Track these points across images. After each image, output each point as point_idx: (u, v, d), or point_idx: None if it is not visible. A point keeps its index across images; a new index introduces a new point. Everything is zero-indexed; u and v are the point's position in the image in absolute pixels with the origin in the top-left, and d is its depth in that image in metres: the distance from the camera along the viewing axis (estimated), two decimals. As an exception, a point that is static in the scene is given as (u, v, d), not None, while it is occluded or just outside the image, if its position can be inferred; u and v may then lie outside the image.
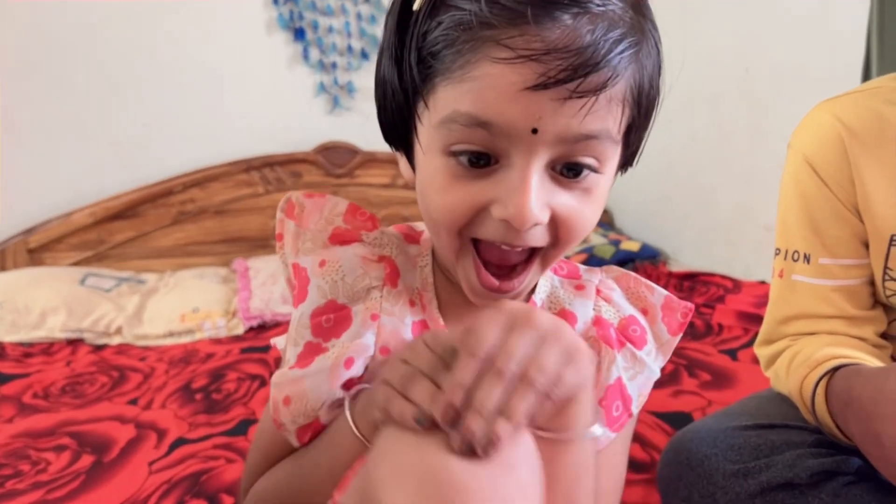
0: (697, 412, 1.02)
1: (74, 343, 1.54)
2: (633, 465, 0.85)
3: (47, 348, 1.49)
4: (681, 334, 0.51)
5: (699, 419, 0.76)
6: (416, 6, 0.38)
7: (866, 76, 1.39)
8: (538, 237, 0.41)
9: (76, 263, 1.89)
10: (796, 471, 0.61)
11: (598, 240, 2.12)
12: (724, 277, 1.72)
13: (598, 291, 0.52)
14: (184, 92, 2.01)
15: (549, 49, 0.35)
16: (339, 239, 0.50)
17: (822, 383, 0.61)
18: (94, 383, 1.28)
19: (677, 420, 0.99)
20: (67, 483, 0.87)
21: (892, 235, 0.66)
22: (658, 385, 1.10)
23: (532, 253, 0.43)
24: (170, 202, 1.98)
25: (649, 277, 1.84)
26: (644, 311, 0.52)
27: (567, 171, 0.39)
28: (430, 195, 0.42)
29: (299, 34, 2.08)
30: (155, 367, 1.37)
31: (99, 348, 1.52)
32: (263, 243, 2.07)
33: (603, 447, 0.48)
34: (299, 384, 0.45)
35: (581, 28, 0.35)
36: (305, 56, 2.11)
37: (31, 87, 1.85)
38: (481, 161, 0.39)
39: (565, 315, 0.50)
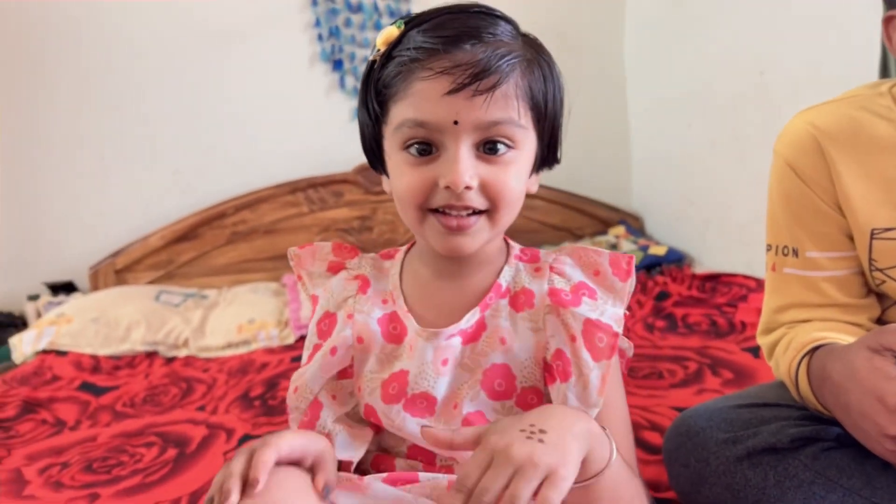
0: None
1: (151, 356, 1.75)
2: (649, 449, 0.95)
3: (131, 361, 1.71)
4: (631, 279, 0.60)
5: (701, 402, 0.84)
6: (372, 59, 0.58)
7: (883, 79, 1.38)
8: (475, 199, 0.55)
9: (151, 282, 2.12)
10: (779, 437, 0.68)
11: (628, 246, 2.19)
12: (746, 277, 1.78)
13: (551, 269, 0.62)
14: (234, 121, 2.21)
15: (456, 65, 0.52)
16: (334, 269, 0.68)
17: (805, 362, 0.68)
18: (168, 394, 1.47)
19: None
20: (159, 470, 1.05)
21: (873, 230, 0.70)
22: (682, 385, 1.18)
23: (478, 217, 0.56)
24: (224, 224, 2.18)
25: (674, 280, 1.94)
26: (595, 273, 0.62)
27: (488, 150, 0.55)
28: (398, 185, 0.58)
29: (337, 65, 2.25)
30: (216, 377, 1.55)
31: (169, 361, 1.72)
32: None
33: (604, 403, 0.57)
34: (303, 377, 0.62)
35: (477, 50, 0.53)
36: (342, 84, 2.27)
37: (113, 121, 2.12)
38: (426, 150, 0.55)
39: (525, 292, 0.62)
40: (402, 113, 0.55)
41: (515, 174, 0.56)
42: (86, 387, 1.52)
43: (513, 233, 0.64)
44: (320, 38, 2.23)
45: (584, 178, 2.43)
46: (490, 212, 0.56)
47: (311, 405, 0.62)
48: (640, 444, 0.97)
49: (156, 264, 2.13)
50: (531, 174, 0.61)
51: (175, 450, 1.11)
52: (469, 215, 0.55)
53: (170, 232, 2.12)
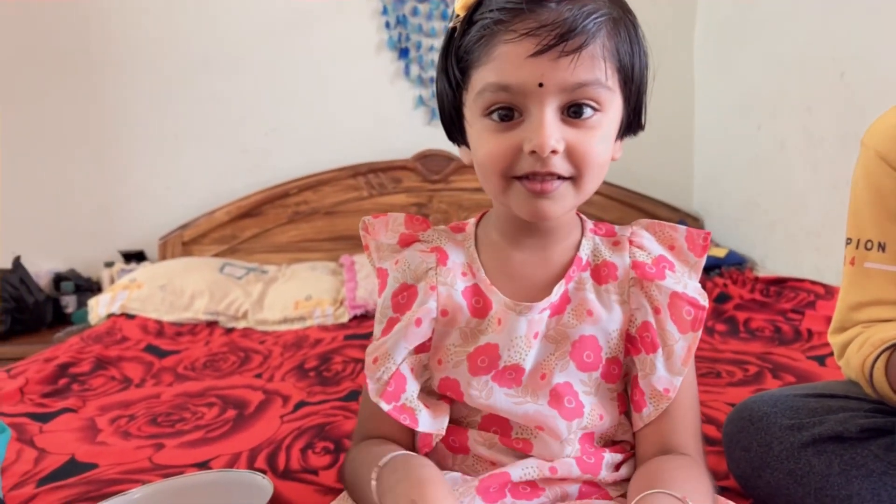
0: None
1: (211, 325, 1.83)
2: (707, 441, 0.91)
3: (192, 328, 1.79)
4: (706, 254, 0.62)
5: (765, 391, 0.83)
6: (452, 26, 0.57)
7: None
8: (560, 165, 0.53)
9: (216, 255, 2.21)
10: (847, 426, 0.65)
11: (684, 245, 2.13)
12: (814, 283, 1.70)
13: (630, 242, 0.62)
14: (301, 104, 2.28)
15: (540, 26, 0.50)
16: (405, 241, 0.65)
17: (884, 356, 0.65)
18: (227, 361, 1.53)
19: None
20: (220, 427, 1.10)
21: None
22: (740, 384, 1.15)
23: (563, 181, 0.55)
24: (286, 203, 2.25)
25: (735, 283, 1.89)
26: (671, 248, 0.63)
27: (573, 113, 0.53)
28: (480, 152, 0.56)
29: (403, 53, 2.27)
30: (272, 349, 1.61)
31: (228, 331, 1.80)
32: None
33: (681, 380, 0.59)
34: (384, 346, 0.61)
35: (563, 8, 0.51)
36: (406, 72, 2.29)
37: (187, 100, 2.22)
38: (509, 115, 0.54)
39: (607, 265, 0.62)
40: (484, 77, 0.53)
41: (602, 138, 0.54)
42: (150, 349, 1.60)
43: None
44: (388, 25, 2.26)
45: (645, 175, 2.39)
46: (575, 178, 0.55)
47: (395, 377, 0.60)
48: None
49: (220, 238, 2.22)
50: (616, 140, 0.59)
51: (234, 411, 1.16)
52: (554, 180, 0.54)
53: (235, 208, 2.20)
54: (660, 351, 0.59)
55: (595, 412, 0.60)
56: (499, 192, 0.57)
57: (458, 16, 0.56)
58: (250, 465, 0.92)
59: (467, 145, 0.61)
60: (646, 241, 0.62)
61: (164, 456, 0.97)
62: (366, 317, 1.84)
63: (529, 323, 0.59)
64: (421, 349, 0.62)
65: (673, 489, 0.50)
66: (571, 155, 0.53)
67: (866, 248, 0.73)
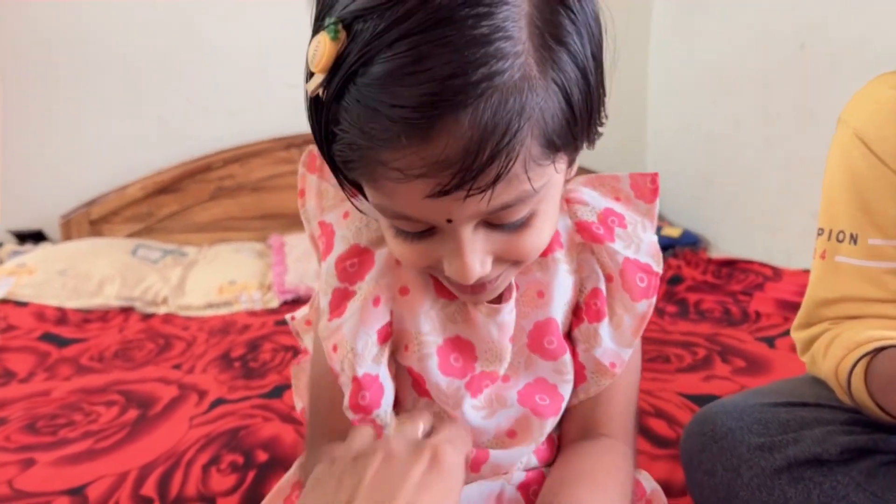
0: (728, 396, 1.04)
1: (127, 311, 1.70)
2: (659, 442, 0.90)
3: (104, 315, 1.66)
4: (657, 199, 0.56)
5: (726, 396, 0.77)
6: (312, 90, 0.38)
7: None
8: (493, 271, 0.44)
9: (130, 235, 2.06)
10: (826, 446, 0.59)
11: (638, 226, 2.13)
12: (763, 265, 1.74)
13: (568, 201, 0.55)
14: (226, 69, 2.13)
15: (429, 167, 0.35)
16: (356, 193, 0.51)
17: (863, 363, 0.59)
18: (143, 349, 1.42)
19: (706, 402, 0.99)
20: (114, 433, 1.00)
21: None
22: (690, 370, 1.13)
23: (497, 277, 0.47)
24: (209, 178, 2.12)
25: (689, 264, 1.89)
26: (617, 198, 0.56)
27: (499, 220, 0.41)
28: (388, 241, 0.46)
29: (339, 12, 2.15)
30: (196, 335, 1.51)
31: (147, 317, 1.68)
32: (300, 220, 2.15)
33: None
34: (339, 332, 0.51)
35: (455, 137, 0.34)
36: (345, 34, 2.17)
37: (83, 64, 2.02)
38: (419, 229, 0.42)
39: None
40: (376, 198, 0.41)
41: (540, 227, 0.43)
42: (48, 338, 1.47)
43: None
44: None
45: (596, 151, 2.34)
46: (515, 263, 0.46)
47: (371, 384, 0.50)
48: (646, 433, 0.92)
49: (135, 216, 2.07)
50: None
51: (137, 411, 1.06)
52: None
53: (150, 183, 2.06)
54: (606, 320, 0.53)
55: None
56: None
57: (315, 75, 0.37)
58: (135, 492, 0.81)
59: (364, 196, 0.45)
60: (587, 196, 0.55)
61: (31, 478, 0.84)
62: (298, 301, 1.75)
63: (500, 327, 0.52)
64: (385, 336, 0.52)
65: (582, 494, 0.47)
66: (506, 256, 0.44)
67: (838, 241, 0.69)
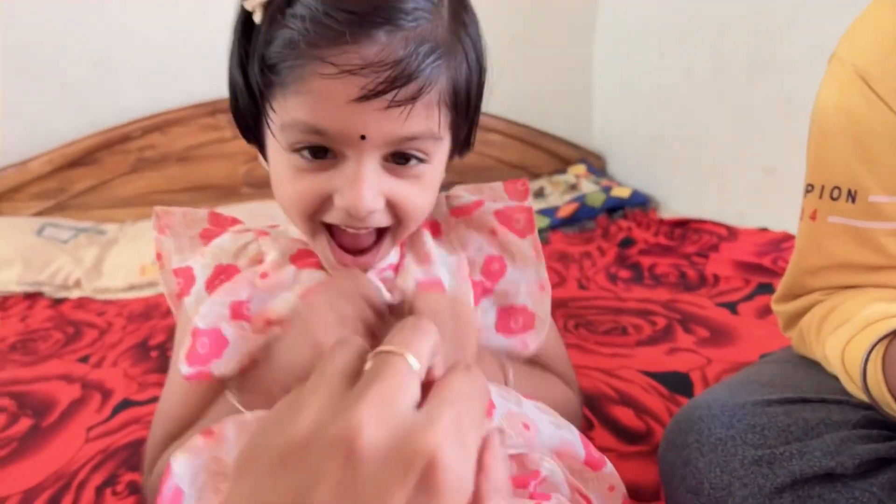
0: (696, 371, 0.97)
1: (33, 297, 1.55)
2: (627, 436, 0.81)
3: (2, 302, 1.51)
4: (530, 197, 0.61)
5: (709, 390, 0.67)
6: (256, 20, 0.44)
7: None
8: (379, 219, 0.48)
9: (38, 213, 1.88)
10: (840, 458, 0.49)
11: (589, 187, 2.08)
12: (716, 224, 1.69)
13: (446, 198, 0.61)
14: (143, 28, 1.94)
15: (366, 64, 0.41)
16: (209, 236, 0.57)
17: (879, 348, 0.50)
18: (48, 340, 1.29)
19: (674, 381, 0.93)
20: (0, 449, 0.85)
21: None
22: (650, 342, 1.06)
23: (380, 234, 0.50)
24: (128, 148, 1.95)
25: (639, 225, 1.83)
26: (493, 200, 0.61)
27: (397, 160, 0.47)
28: (281, 186, 0.49)
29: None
30: (113, 322, 1.38)
31: (58, 302, 1.53)
32: (231, 191, 2.05)
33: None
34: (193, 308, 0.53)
35: (394, 44, 0.42)
36: (271, -14, 1.99)
37: None
38: (320, 153, 0.46)
39: (420, 234, 0.58)
40: (293, 111, 0.44)
41: (426, 187, 0.50)
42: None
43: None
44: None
45: (545, 110, 2.27)
46: (393, 227, 0.50)
47: (212, 334, 0.51)
48: (612, 426, 0.83)
49: (42, 193, 1.89)
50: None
51: (30, 420, 0.93)
52: (368, 234, 0.50)
53: (59, 156, 1.87)
54: (509, 267, 0.58)
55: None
56: (304, 233, 0.51)
57: None
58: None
59: (262, 150, 0.53)
60: (463, 193, 0.61)
61: None
62: (229, 280, 1.62)
63: None
64: (238, 315, 0.51)
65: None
66: (392, 207, 0.48)
67: (832, 198, 0.60)
